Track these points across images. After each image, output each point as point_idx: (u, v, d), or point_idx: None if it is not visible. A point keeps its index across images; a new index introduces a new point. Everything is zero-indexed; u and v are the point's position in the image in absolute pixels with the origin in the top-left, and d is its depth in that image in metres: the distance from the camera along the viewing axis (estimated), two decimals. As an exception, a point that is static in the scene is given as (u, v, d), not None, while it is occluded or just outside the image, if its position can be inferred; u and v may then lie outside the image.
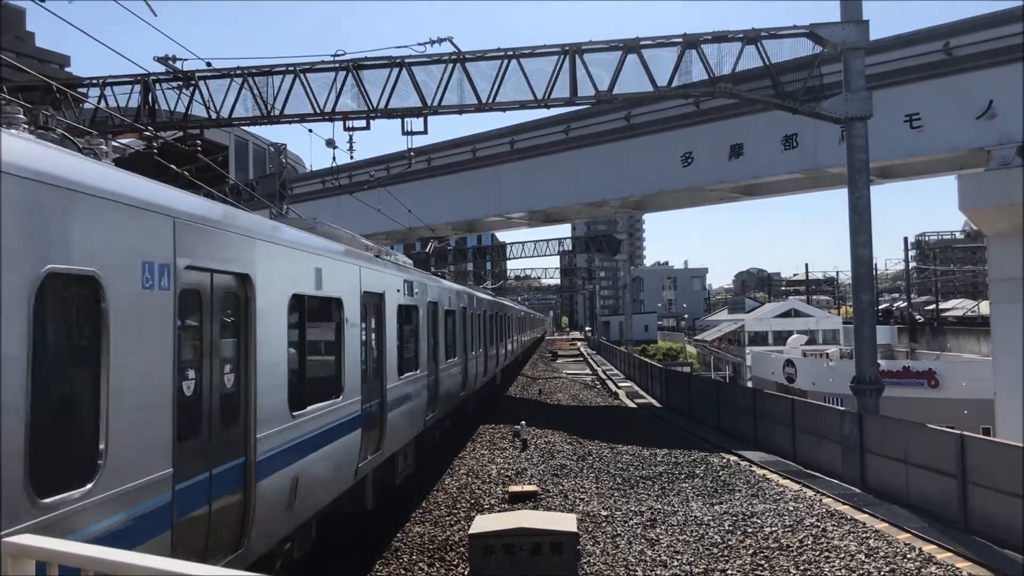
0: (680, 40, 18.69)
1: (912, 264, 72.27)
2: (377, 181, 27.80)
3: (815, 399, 28.23)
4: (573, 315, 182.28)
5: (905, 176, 29.40)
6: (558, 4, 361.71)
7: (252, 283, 6.82)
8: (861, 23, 17.81)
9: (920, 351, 53.35)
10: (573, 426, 23.74)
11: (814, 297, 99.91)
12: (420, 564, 10.85)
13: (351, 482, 9.84)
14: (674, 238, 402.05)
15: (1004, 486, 11.68)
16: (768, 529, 12.19)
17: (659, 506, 13.83)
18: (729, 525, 12.43)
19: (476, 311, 23.46)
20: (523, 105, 19.56)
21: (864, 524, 12.55)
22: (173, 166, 10.16)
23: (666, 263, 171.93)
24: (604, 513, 13.31)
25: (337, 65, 19.84)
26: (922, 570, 10.27)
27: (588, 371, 55.41)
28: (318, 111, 19.84)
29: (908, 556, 10.78)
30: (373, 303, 11.14)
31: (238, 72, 20.27)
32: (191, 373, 5.91)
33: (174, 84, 20.45)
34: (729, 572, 10.38)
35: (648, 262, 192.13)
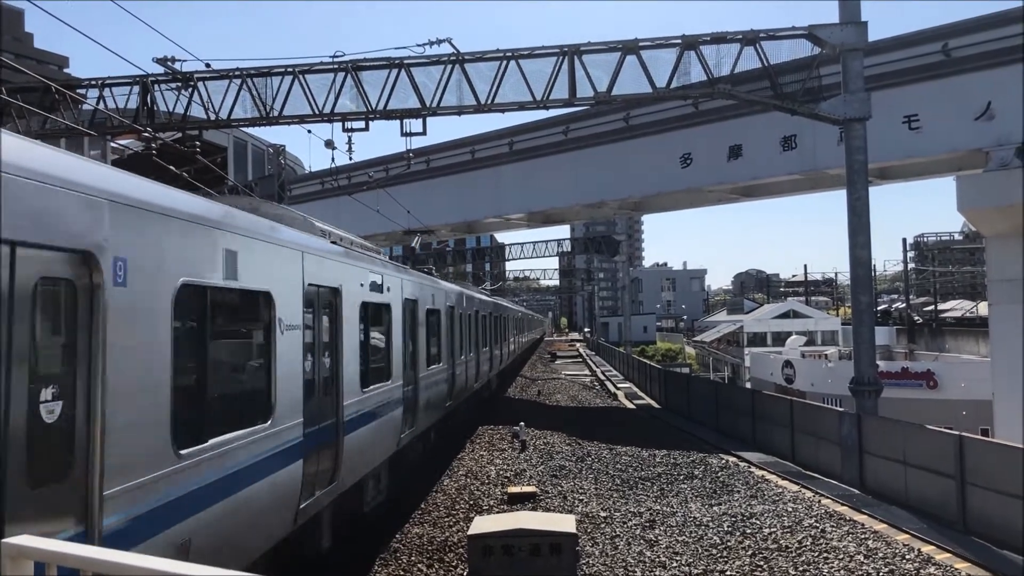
0: (679, 41, 18.71)
1: (911, 265, 72.36)
2: (376, 182, 27.82)
3: (814, 400, 28.23)
4: (572, 316, 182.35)
5: (904, 177, 29.45)
6: (557, 5, 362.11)
7: (98, 264, 4.73)
8: (860, 24, 17.84)
9: (919, 352, 53.42)
10: (572, 427, 23.74)
11: (813, 298, 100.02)
12: (419, 565, 10.85)
13: (290, 527, 7.86)
14: (673, 239, 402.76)
15: (1003, 487, 11.69)
16: (767, 530, 12.20)
17: (658, 507, 13.83)
18: (728, 526, 12.43)
19: (466, 311, 21.58)
20: (522, 106, 19.57)
21: (863, 525, 12.55)
22: (172, 167, 10.17)
23: (665, 264, 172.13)
24: (603, 514, 13.31)
25: (336, 66, 19.85)
26: (921, 571, 10.27)
27: (587, 372, 55.42)
28: (317, 112, 19.85)
29: (907, 557, 10.79)
30: (325, 300, 9.12)
31: (237, 73, 20.28)
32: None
33: (173, 85, 20.46)
34: (728, 573, 10.38)
35: (647, 263, 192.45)
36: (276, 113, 20.08)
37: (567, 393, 37.34)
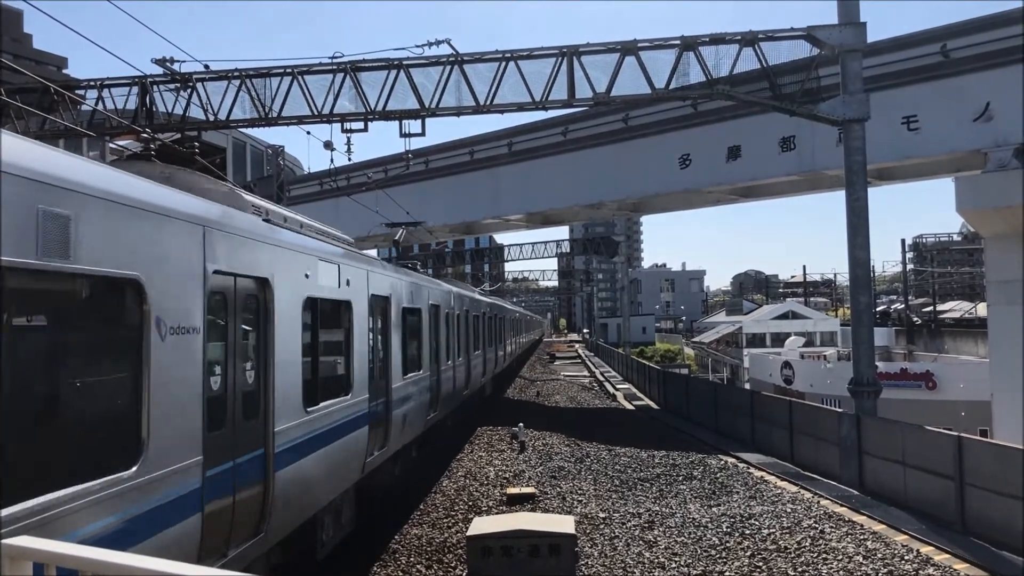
0: (678, 42, 18.72)
1: (910, 266, 72.39)
2: (375, 183, 27.82)
3: (813, 401, 28.26)
4: (571, 317, 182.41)
5: (903, 178, 29.49)
6: (556, 6, 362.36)
7: None
8: (858, 25, 17.85)
9: (918, 353, 53.45)
10: (571, 428, 23.74)
11: (812, 299, 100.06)
12: (418, 566, 10.85)
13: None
14: (672, 240, 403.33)
15: (1002, 488, 11.69)
16: (766, 531, 12.20)
17: (657, 508, 13.83)
18: (727, 527, 12.44)
19: (455, 311, 19.55)
20: (521, 107, 19.58)
21: (862, 526, 12.55)
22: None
23: (664, 265, 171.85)
24: (602, 515, 13.30)
25: (335, 67, 19.86)
26: (920, 572, 10.28)
27: (586, 373, 55.41)
28: (316, 113, 19.86)
29: (906, 558, 10.79)
30: (244, 294, 6.88)
31: (235, 74, 20.28)
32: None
33: (171, 86, 20.47)
34: (727, 574, 10.38)
35: (646, 264, 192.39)
36: (275, 114, 20.08)
37: (566, 394, 37.33)
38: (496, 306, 32.08)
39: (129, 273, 5.07)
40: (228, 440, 6.41)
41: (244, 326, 7.00)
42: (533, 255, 55.08)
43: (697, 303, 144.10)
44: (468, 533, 10.30)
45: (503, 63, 19.33)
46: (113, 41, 12.98)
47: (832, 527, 12.38)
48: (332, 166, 24.75)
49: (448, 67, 19.56)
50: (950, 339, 54.39)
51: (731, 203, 33.89)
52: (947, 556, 11.04)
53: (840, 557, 10.88)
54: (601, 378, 48.98)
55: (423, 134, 20.24)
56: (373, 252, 24.09)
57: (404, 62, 19.70)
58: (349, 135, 20.21)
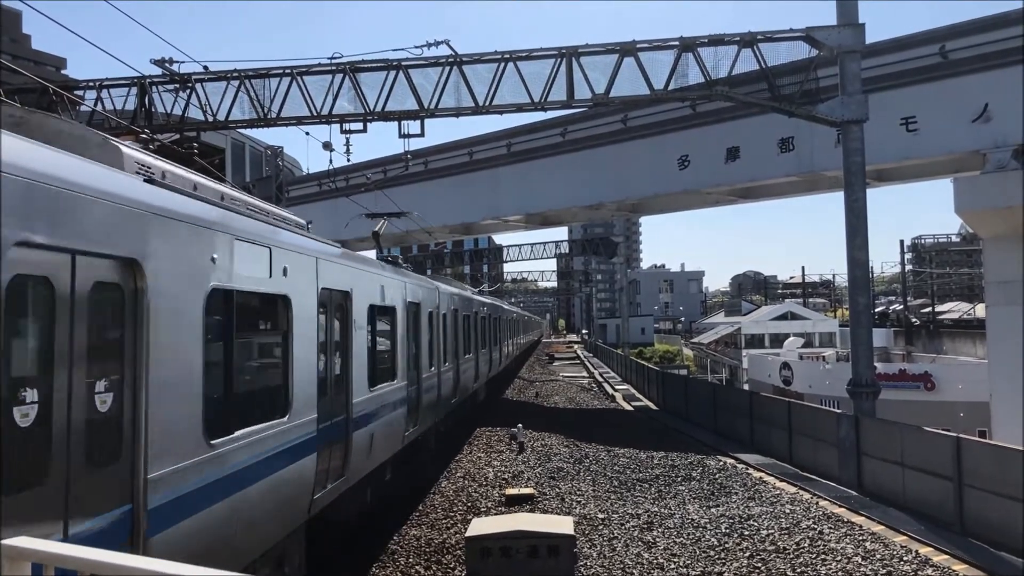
0: (676, 43, 18.74)
1: (908, 267, 72.44)
2: (374, 184, 27.82)
3: (811, 402, 28.26)
4: (570, 318, 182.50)
5: (901, 179, 29.50)
6: (555, 7, 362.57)
7: None
8: (857, 26, 17.86)
9: (916, 354, 53.49)
10: (570, 429, 23.74)
11: (810, 300, 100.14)
12: (416, 567, 10.85)
13: None
14: (671, 241, 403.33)
15: (1000, 489, 11.70)
16: (765, 532, 12.20)
17: (656, 509, 13.83)
18: (726, 528, 12.44)
19: (442, 310, 17.60)
20: (520, 108, 19.59)
21: (861, 527, 12.56)
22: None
23: (663, 266, 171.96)
24: (601, 516, 13.31)
25: (334, 68, 19.86)
26: (919, 573, 10.28)
27: (585, 374, 55.41)
28: (315, 114, 19.86)
29: (905, 559, 10.80)
30: (93, 282, 4.85)
31: (234, 75, 20.29)
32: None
33: (170, 86, 20.47)
34: (726, 575, 10.38)
35: (645, 265, 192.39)
36: (274, 115, 20.09)
37: (565, 395, 37.34)
38: (491, 305, 30.72)
39: None
40: (84, 488, 4.67)
41: (92, 328, 4.80)
42: (532, 256, 55.16)
43: (696, 304, 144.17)
44: (467, 534, 10.29)
45: (502, 64, 19.34)
46: (112, 42, 13.00)
47: (831, 528, 12.39)
48: (331, 167, 24.72)
49: (447, 68, 19.56)
50: (949, 340, 54.46)
51: (730, 204, 33.89)
52: (946, 557, 11.05)
53: (839, 558, 10.88)
54: (600, 379, 48.99)
55: (422, 135, 20.26)
56: (372, 254, 24.09)
57: (403, 63, 19.70)
58: (348, 136, 20.24)
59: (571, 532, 10.23)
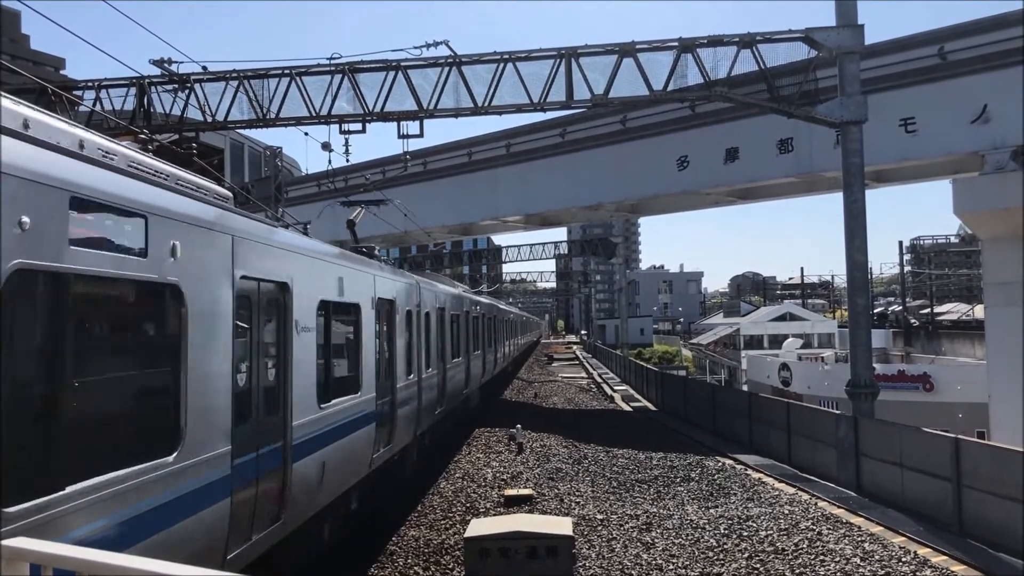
0: (676, 44, 18.75)
1: (907, 268, 72.47)
2: (373, 184, 27.80)
3: (810, 403, 28.26)
4: (569, 318, 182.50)
5: (900, 180, 29.50)
6: (554, 7, 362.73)
7: None
8: (856, 27, 17.88)
9: (915, 355, 53.49)
10: (569, 430, 23.74)
11: (809, 301, 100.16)
12: (415, 567, 10.84)
13: None
14: (670, 242, 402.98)
15: (999, 489, 11.70)
16: (763, 533, 12.20)
17: (655, 510, 13.83)
18: (725, 529, 12.44)
19: (423, 309, 15.66)
20: (519, 108, 19.60)
21: (859, 528, 12.56)
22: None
23: (662, 266, 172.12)
24: (600, 517, 13.30)
25: (333, 68, 19.87)
26: (917, 573, 10.29)
27: (584, 375, 55.40)
28: (314, 114, 19.87)
29: (903, 560, 10.80)
30: None
31: (233, 75, 20.29)
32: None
33: (169, 87, 20.47)
34: None
35: (644, 265, 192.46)
36: (273, 115, 20.10)
37: (564, 396, 37.34)
38: (485, 305, 29.07)
39: None
40: None
41: None
42: (531, 256, 55.20)
43: (695, 305, 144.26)
44: (466, 535, 10.29)
45: (501, 64, 19.35)
46: (111, 42, 12.99)
47: (830, 529, 12.39)
48: (330, 167, 24.72)
49: (446, 68, 19.57)
50: (947, 341, 54.47)
51: (729, 205, 33.89)
52: (944, 558, 11.05)
53: (837, 559, 10.88)
54: (599, 380, 48.98)
55: (421, 135, 20.29)
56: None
57: (402, 63, 19.71)
58: (347, 136, 20.26)
59: (570, 533, 10.23)
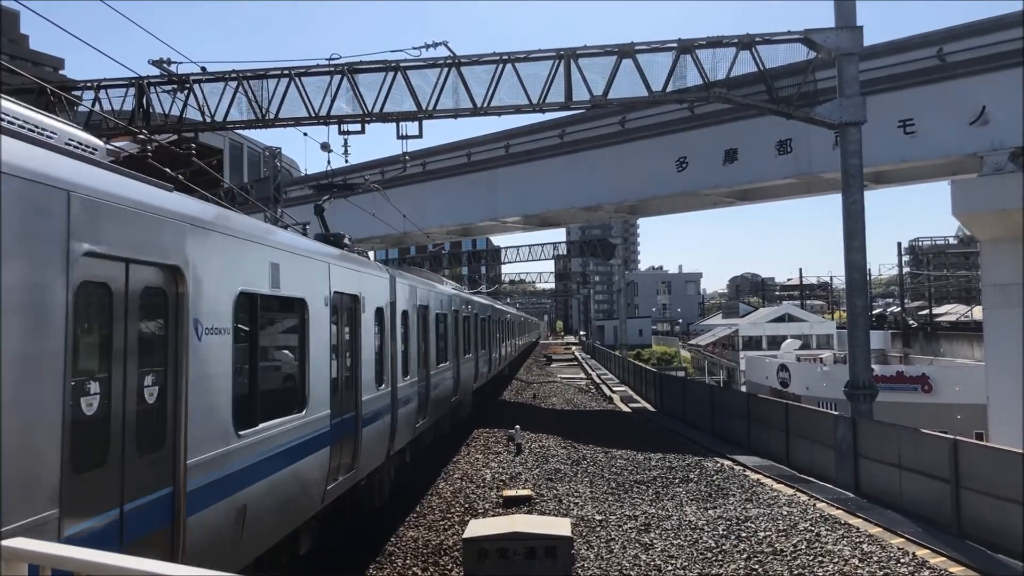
0: (675, 45, 18.77)
1: (906, 269, 72.57)
2: (372, 185, 27.77)
3: (809, 404, 28.27)
4: (568, 319, 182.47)
5: (899, 181, 29.53)
6: (553, 8, 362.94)
7: None
8: (855, 29, 17.90)
9: (914, 356, 53.49)
10: (567, 430, 23.73)
11: (808, 302, 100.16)
12: (414, 568, 10.83)
13: None
14: (669, 242, 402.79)
15: (998, 491, 11.71)
16: (762, 533, 12.20)
17: (653, 510, 13.83)
18: (723, 529, 12.44)
19: (403, 307, 13.84)
20: (518, 109, 19.62)
21: (858, 529, 12.56)
22: (167, 169, 10.14)
23: (660, 267, 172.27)
24: (598, 517, 13.30)
25: (332, 69, 19.88)
26: (915, 574, 10.29)
27: (583, 375, 55.42)
28: (313, 115, 19.88)
29: (902, 561, 10.80)
30: None
31: (232, 75, 20.29)
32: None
33: (168, 87, 20.47)
34: (723, 576, 10.39)
35: (643, 266, 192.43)
36: (272, 116, 20.11)
37: (563, 396, 37.33)
38: (480, 304, 27.27)
39: None
40: None
41: None
42: (530, 257, 55.28)
43: (694, 306, 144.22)
44: (464, 535, 10.30)
45: (500, 65, 19.36)
46: (110, 43, 13.00)
47: (828, 530, 12.39)
48: (329, 168, 24.73)
49: (445, 69, 19.59)
50: (946, 342, 54.48)
51: (728, 206, 33.92)
52: (943, 559, 11.06)
53: (836, 560, 10.88)
54: (598, 380, 48.99)
55: (420, 136, 20.30)
56: (370, 255, 24.07)
57: (401, 64, 19.72)
58: (346, 137, 20.27)
59: (568, 534, 10.24)
